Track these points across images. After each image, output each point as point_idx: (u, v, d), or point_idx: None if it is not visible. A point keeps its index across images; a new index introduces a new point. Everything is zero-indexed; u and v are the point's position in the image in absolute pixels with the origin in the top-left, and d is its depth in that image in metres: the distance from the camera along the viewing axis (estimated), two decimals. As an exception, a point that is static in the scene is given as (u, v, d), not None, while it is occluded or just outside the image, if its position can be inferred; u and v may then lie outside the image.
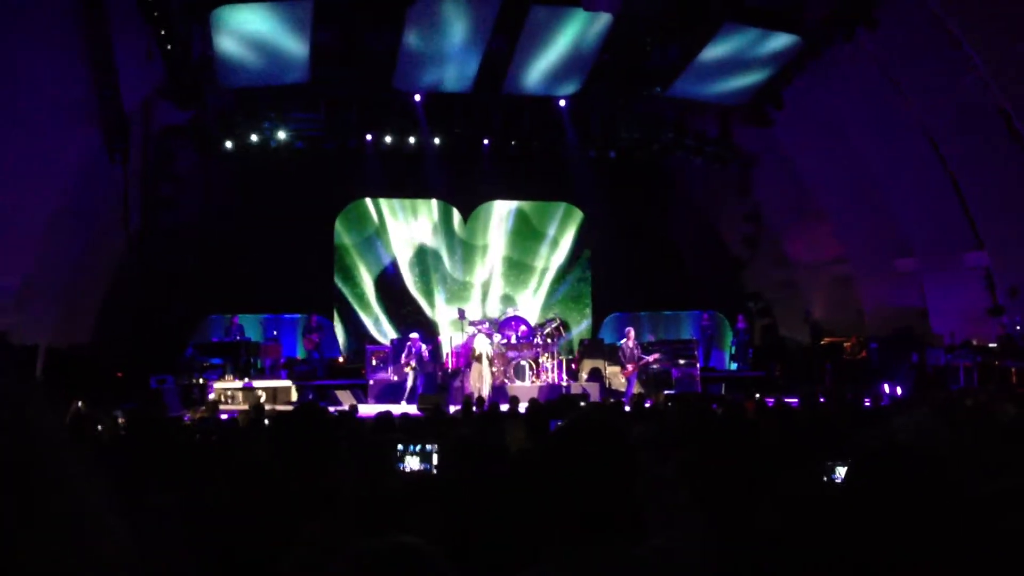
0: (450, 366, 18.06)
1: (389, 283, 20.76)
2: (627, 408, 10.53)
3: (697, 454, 3.57)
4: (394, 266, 20.82)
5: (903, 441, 3.43)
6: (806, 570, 2.17)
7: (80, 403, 9.72)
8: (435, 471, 3.91)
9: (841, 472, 3.21)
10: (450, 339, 19.18)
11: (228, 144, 17.42)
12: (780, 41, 15.17)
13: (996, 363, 13.82)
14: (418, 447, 4.01)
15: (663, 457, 3.75)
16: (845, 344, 17.88)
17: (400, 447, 4.02)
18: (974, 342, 14.56)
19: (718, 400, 11.24)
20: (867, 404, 10.19)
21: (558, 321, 18.84)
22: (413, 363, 16.66)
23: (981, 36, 12.94)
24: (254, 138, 17.53)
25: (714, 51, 15.39)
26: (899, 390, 14.17)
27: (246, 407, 11.96)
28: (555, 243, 21.69)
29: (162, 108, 15.78)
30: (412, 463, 4.00)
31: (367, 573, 1.60)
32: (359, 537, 1.99)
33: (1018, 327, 14.02)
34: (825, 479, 3.36)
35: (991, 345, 14.29)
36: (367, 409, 11.98)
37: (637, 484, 2.14)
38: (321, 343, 18.62)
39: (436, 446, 3.99)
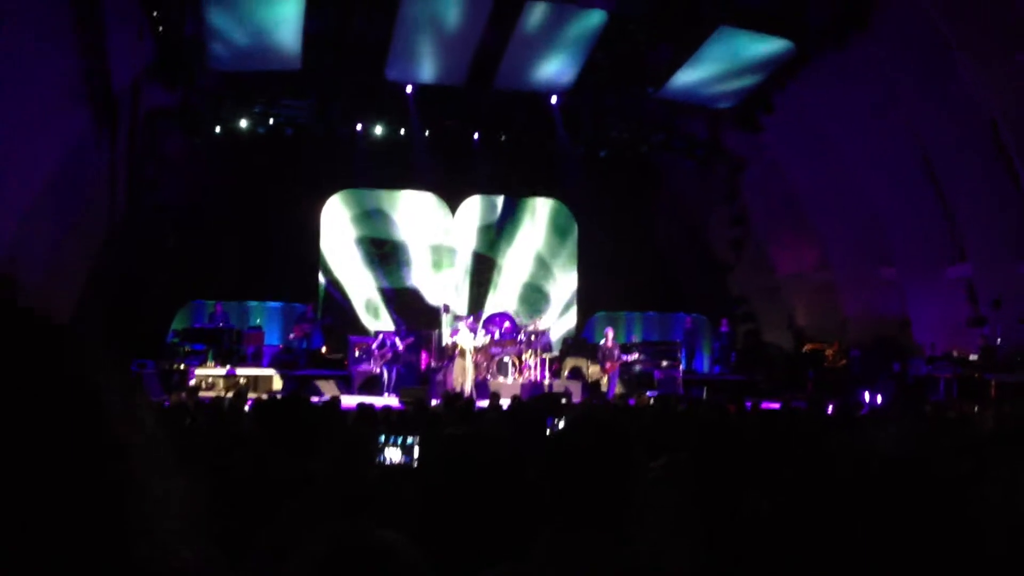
0: (432, 361, 18.00)
1: (380, 275, 20.66)
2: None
3: (685, 453, 3.57)
4: (384, 258, 20.71)
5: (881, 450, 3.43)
6: (796, 565, 2.16)
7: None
8: (415, 464, 3.88)
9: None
10: (438, 333, 19.11)
11: (216, 128, 17.33)
12: (773, 46, 15.19)
13: (977, 375, 13.90)
14: (399, 439, 3.98)
15: (652, 455, 3.74)
16: (827, 351, 17.97)
17: (382, 438, 4.00)
18: (955, 353, 14.64)
19: (701, 403, 11.26)
20: (843, 412, 10.24)
21: (542, 319, 18.83)
22: (389, 354, 16.61)
23: (974, 48, 13.00)
24: (243, 123, 17.45)
25: (708, 53, 15.41)
26: (879, 399, 14.25)
27: (227, 394, 11.90)
28: (542, 241, 21.64)
29: (151, 89, 15.62)
30: (393, 455, 3.97)
31: (339, 559, 1.58)
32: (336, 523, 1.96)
33: (999, 339, 14.11)
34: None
35: (972, 357, 14.36)
36: (350, 400, 11.92)
37: (632, 482, 2.13)
38: (311, 333, 18.52)
39: (417, 438, 3.96)
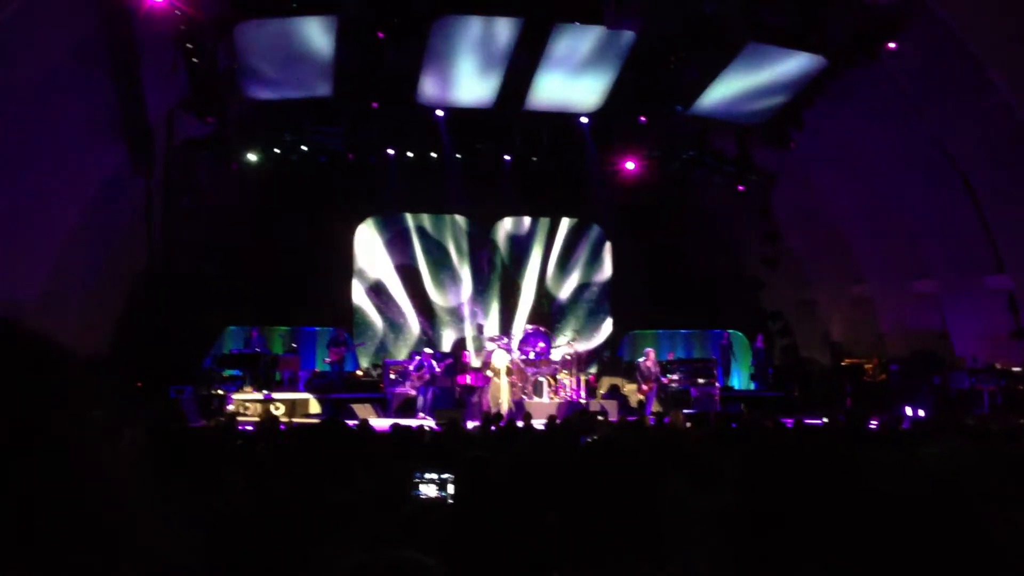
0: (468, 381, 17.98)
1: (414, 296, 20.73)
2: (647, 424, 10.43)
3: (727, 487, 3.51)
4: (417, 281, 20.78)
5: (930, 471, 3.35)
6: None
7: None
8: (451, 500, 3.88)
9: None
10: (472, 354, 19.12)
11: (250, 156, 17.52)
12: (802, 62, 15.11)
13: (1021, 387, 13.65)
14: (435, 475, 3.99)
15: (686, 483, 3.69)
16: (866, 366, 17.73)
17: (417, 475, 4.00)
18: (998, 366, 14.39)
19: (738, 419, 11.11)
20: (878, 426, 10.06)
21: (574, 338, 18.78)
22: (427, 376, 16.64)
23: (1003, 59, 12.86)
24: (276, 151, 17.63)
25: (736, 70, 15.36)
26: (921, 413, 14.02)
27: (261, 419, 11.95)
28: (576, 260, 21.61)
29: (185, 120, 15.84)
30: (429, 491, 3.97)
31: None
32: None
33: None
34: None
35: (1015, 369, 14.11)
36: (385, 423, 11.93)
37: (657, 509, 2.09)
38: (345, 357, 18.61)
39: (453, 476, 3.96)
